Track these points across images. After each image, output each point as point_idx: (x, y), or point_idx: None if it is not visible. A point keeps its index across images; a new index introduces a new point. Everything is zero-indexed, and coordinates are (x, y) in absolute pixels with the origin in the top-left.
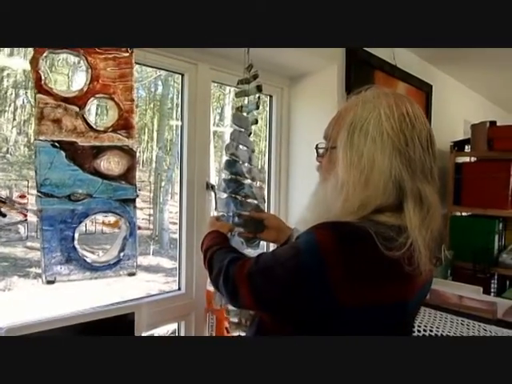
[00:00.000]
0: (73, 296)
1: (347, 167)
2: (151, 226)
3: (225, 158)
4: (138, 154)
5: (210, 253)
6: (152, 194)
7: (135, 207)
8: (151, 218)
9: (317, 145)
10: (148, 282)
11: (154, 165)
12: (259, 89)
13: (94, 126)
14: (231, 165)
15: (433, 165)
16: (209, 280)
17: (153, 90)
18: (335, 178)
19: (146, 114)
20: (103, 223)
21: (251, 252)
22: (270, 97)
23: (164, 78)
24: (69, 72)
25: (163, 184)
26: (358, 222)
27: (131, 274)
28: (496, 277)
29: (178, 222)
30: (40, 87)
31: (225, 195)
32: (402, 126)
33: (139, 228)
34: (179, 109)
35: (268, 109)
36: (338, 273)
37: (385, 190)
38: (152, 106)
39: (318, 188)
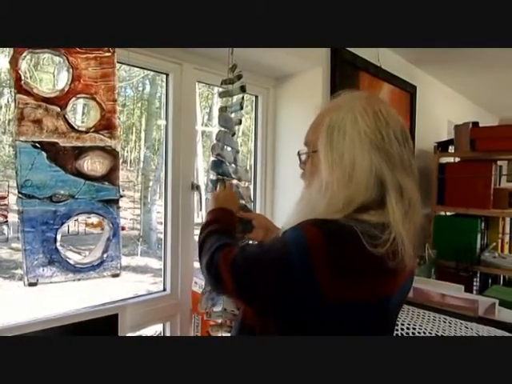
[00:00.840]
0: (57, 298)
1: (330, 167)
2: (139, 226)
3: (211, 158)
4: (125, 153)
5: (208, 230)
6: (140, 194)
7: (118, 208)
8: (139, 218)
9: (298, 152)
10: (136, 283)
11: (141, 164)
12: (243, 89)
13: (76, 127)
14: (217, 165)
15: (411, 159)
16: (194, 281)
17: (140, 89)
18: (319, 180)
19: (134, 114)
20: (86, 224)
21: None
22: (256, 97)
23: (152, 77)
24: (54, 71)
25: (151, 184)
26: (343, 220)
27: (115, 276)
28: (478, 275)
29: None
30: (20, 87)
31: None
32: (376, 123)
33: (123, 229)
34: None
35: (254, 110)
36: (324, 268)
37: (367, 186)
38: (140, 105)
39: (303, 193)
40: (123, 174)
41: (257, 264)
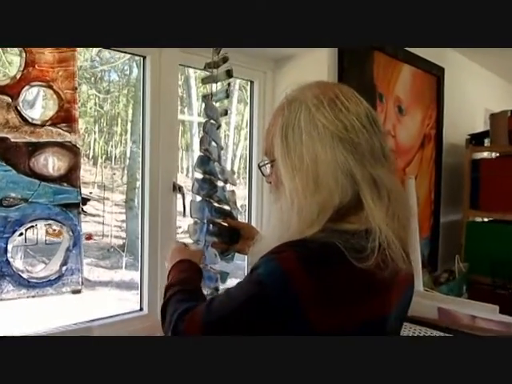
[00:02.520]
0: (14, 316)
1: (291, 175)
2: (123, 235)
3: (198, 153)
4: (109, 148)
5: (168, 295)
6: (125, 197)
7: (80, 213)
8: (124, 224)
9: (258, 164)
10: (120, 301)
11: (127, 161)
12: (229, 74)
13: (30, 120)
14: (204, 162)
15: (383, 143)
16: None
17: (127, 73)
18: (283, 191)
19: (119, 102)
20: (47, 232)
21: (225, 266)
22: (251, 83)
23: (140, 58)
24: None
25: (138, 184)
26: (322, 236)
27: (76, 292)
28: None
29: None
30: None
31: (198, 198)
32: (335, 112)
33: (89, 238)
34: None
35: (249, 97)
36: (309, 296)
37: (337, 185)
38: (126, 92)
39: (272, 211)
40: (106, 173)
41: (232, 312)
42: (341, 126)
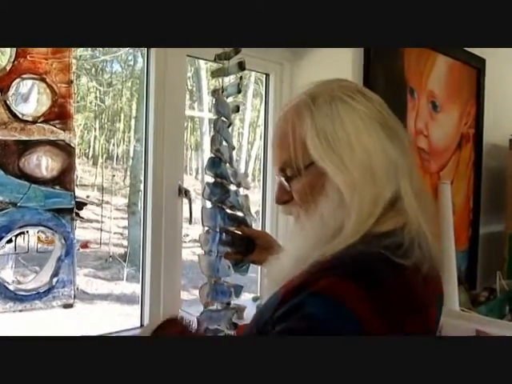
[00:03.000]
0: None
1: (343, 168)
2: (125, 243)
3: (208, 154)
4: (111, 147)
5: None
6: (127, 201)
7: (73, 219)
8: (126, 231)
9: (287, 175)
10: (120, 316)
11: (130, 161)
12: (241, 66)
13: (20, 115)
14: (216, 164)
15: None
16: (180, 315)
17: (131, 63)
18: (332, 193)
19: (122, 95)
20: (39, 239)
21: (238, 279)
22: (267, 76)
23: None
24: None
25: (141, 187)
26: (365, 249)
27: (67, 306)
28: None
29: None
30: None
31: (210, 204)
32: (367, 99)
33: (85, 246)
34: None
35: (264, 91)
36: (374, 323)
37: (388, 176)
38: (130, 84)
39: (303, 222)
40: (107, 174)
41: None
42: (377, 112)
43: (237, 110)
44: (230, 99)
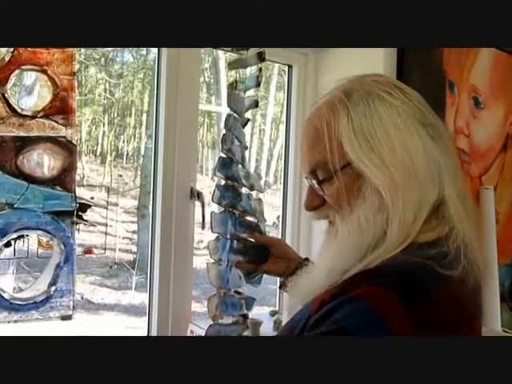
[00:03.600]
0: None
1: (382, 169)
2: (134, 249)
3: (220, 154)
4: (120, 144)
5: None
6: (137, 203)
7: (73, 223)
8: (135, 236)
9: (311, 184)
10: (127, 329)
11: (141, 160)
12: (261, 57)
13: (19, 110)
14: (227, 166)
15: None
16: (190, 329)
17: (143, 53)
18: (371, 196)
19: (134, 88)
20: (39, 243)
21: (250, 289)
22: (289, 67)
23: None
24: None
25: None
26: (409, 258)
27: (65, 318)
28: None
29: None
30: None
31: (220, 209)
32: (405, 95)
33: (89, 252)
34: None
35: (286, 85)
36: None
37: (431, 178)
38: (142, 76)
39: (337, 230)
40: (116, 173)
41: None
42: (417, 109)
43: (255, 105)
44: (249, 93)
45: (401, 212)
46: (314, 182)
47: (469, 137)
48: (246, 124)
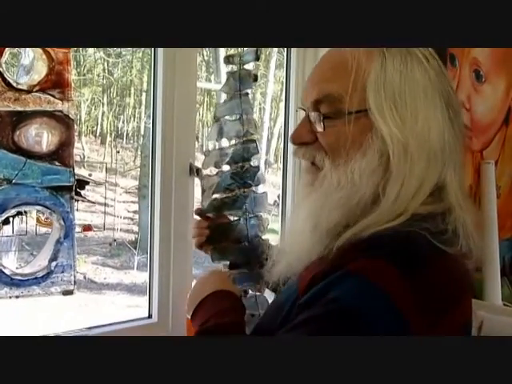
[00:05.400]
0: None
1: (404, 137)
2: (135, 228)
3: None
4: (120, 124)
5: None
6: (138, 183)
7: (72, 198)
8: (136, 216)
9: (323, 114)
10: (130, 308)
11: (141, 140)
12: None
13: (14, 84)
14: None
15: None
16: None
17: None
18: (373, 154)
19: (133, 67)
20: (38, 221)
21: None
22: None
23: None
24: None
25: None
26: (404, 229)
27: (67, 293)
28: None
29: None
30: None
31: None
32: (440, 67)
33: (88, 229)
34: None
35: (285, 63)
36: (416, 314)
37: (442, 158)
38: (140, 55)
39: (328, 178)
40: (116, 154)
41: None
42: (446, 88)
43: (254, 78)
44: (248, 67)
45: (403, 181)
46: (314, 113)
47: (470, 111)
48: (245, 95)
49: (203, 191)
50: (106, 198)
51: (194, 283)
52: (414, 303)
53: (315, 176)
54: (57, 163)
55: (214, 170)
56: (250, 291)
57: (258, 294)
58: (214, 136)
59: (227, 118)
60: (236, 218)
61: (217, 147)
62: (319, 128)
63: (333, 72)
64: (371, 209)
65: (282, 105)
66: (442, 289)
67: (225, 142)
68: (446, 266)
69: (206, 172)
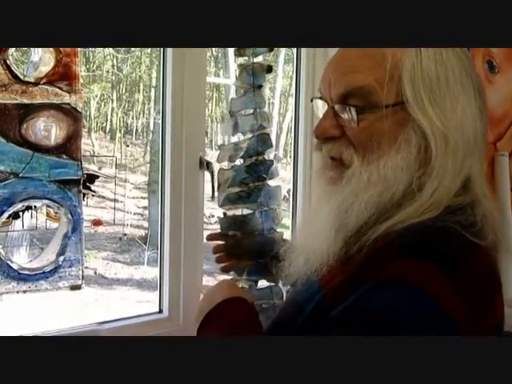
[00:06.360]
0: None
1: (445, 131)
2: (145, 224)
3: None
4: (129, 120)
5: None
6: (147, 178)
7: (80, 192)
8: (146, 212)
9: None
10: (140, 303)
11: (151, 136)
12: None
13: (21, 76)
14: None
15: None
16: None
17: None
18: (408, 149)
19: (142, 63)
20: (47, 215)
21: None
22: None
23: None
24: None
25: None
26: (434, 224)
27: (75, 288)
28: None
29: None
30: None
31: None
32: (470, 58)
33: (98, 223)
34: None
35: (295, 57)
36: (463, 313)
37: (474, 151)
38: (149, 51)
39: (356, 176)
40: (126, 150)
41: None
42: (476, 78)
43: (269, 69)
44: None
45: (443, 174)
46: (342, 107)
47: None
48: (259, 87)
49: (218, 185)
50: (115, 193)
51: (202, 295)
52: (460, 302)
53: (340, 173)
54: (64, 156)
55: (228, 165)
56: (266, 282)
57: (272, 284)
58: (229, 130)
59: (241, 112)
60: (251, 211)
61: (231, 141)
62: (352, 123)
63: (363, 62)
64: (403, 204)
65: (291, 100)
66: (482, 283)
67: (238, 136)
68: (481, 260)
69: (220, 166)
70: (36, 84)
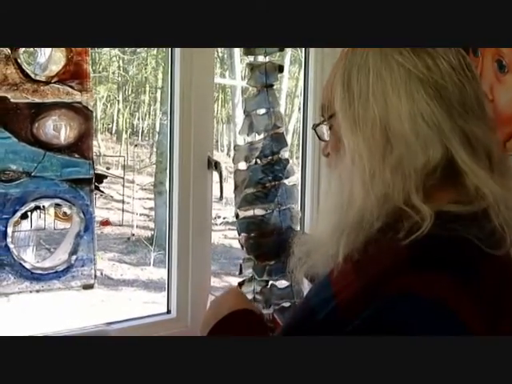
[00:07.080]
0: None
1: (352, 128)
2: (152, 225)
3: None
4: (135, 121)
5: None
6: (154, 179)
7: (92, 191)
8: (152, 212)
9: (313, 125)
10: (146, 304)
11: (157, 137)
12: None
13: (33, 75)
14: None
15: (478, 93)
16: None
17: None
18: (344, 154)
19: (148, 65)
20: (56, 215)
21: None
22: None
23: None
24: None
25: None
26: (440, 232)
27: (87, 287)
28: None
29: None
30: None
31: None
32: (415, 51)
33: (106, 223)
34: None
35: (303, 58)
36: (480, 325)
37: (418, 139)
38: (155, 52)
39: (335, 183)
40: (132, 151)
41: None
42: (421, 64)
43: (280, 69)
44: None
45: (361, 175)
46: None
47: (493, 102)
48: (270, 87)
49: (235, 187)
50: (123, 194)
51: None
52: (478, 315)
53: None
54: (76, 155)
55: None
56: (286, 281)
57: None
58: (245, 130)
59: (256, 111)
60: (269, 211)
61: (246, 142)
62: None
63: (325, 83)
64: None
65: (297, 101)
66: (498, 295)
67: (251, 137)
68: (497, 270)
69: (236, 167)
70: (47, 83)
